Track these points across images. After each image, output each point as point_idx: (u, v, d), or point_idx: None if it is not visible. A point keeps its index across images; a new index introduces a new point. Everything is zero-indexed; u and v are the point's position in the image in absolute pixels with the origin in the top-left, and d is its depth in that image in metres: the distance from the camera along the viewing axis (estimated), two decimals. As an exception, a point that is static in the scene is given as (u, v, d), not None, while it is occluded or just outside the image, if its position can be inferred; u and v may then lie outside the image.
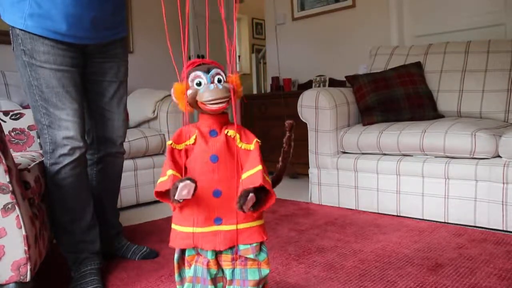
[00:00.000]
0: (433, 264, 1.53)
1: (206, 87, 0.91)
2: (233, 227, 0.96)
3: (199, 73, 0.93)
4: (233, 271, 0.98)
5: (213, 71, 0.93)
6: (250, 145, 0.95)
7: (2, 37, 2.70)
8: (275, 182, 1.06)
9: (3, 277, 1.18)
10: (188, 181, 0.85)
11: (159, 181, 0.94)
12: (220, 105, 0.91)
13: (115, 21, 1.56)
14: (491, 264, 1.50)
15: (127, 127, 1.79)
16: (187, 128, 0.97)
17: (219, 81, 0.93)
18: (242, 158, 0.95)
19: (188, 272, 1.00)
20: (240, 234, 0.96)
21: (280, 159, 1.06)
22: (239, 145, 0.95)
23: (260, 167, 0.91)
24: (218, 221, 0.96)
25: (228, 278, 0.99)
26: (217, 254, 0.98)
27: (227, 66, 0.98)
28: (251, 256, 0.98)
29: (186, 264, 1.01)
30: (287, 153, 1.07)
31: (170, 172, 0.92)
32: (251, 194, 0.86)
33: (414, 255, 1.62)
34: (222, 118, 0.97)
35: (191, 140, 0.95)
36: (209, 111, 0.93)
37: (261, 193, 0.91)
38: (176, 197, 0.86)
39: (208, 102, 0.90)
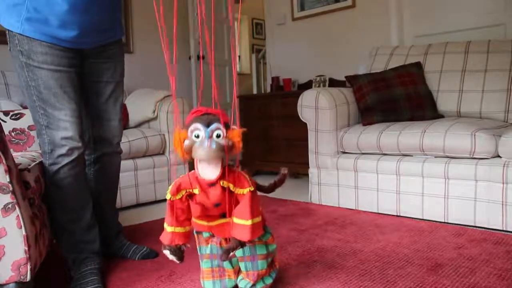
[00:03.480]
0: (433, 264, 1.53)
1: (201, 144, 0.95)
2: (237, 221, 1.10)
3: (198, 125, 0.96)
4: (243, 248, 1.13)
5: (213, 126, 0.96)
6: (244, 190, 1.06)
7: (2, 37, 2.70)
8: (268, 191, 1.30)
9: (3, 277, 1.18)
10: (171, 256, 1.10)
11: (165, 226, 1.12)
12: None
13: (112, 23, 1.56)
14: (491, 264, 1.50)
15: (125, 127, 1.81)
16: (186, 179, 1.05)
17: (218, 136, 0.96)
18: (239, 200, 1.08)
19: (206, 250, 1.19)
20: (244, 229, 1.08)
21: (273, 183, 1.27)
22: (235, 191, 1.07)
23: (249, 222, 1.03)
24: (223, 216, 1.11)
25: (238, 255, 1.14)
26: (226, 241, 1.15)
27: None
28: (256, 238, 1.12)
29: (203, 243, 1.21)
30: (274, 186, 1.29)
31: (169, 229, 1.09)
32: (231, 253, 1.03)
33: (414, 255, 1.62)
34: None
35: (196, 191, 1.05)
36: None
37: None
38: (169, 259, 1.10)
39: (200, 159, 0.99)
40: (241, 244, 1.05)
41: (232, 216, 1.07)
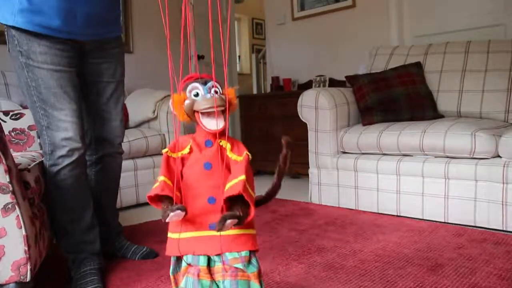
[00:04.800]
0: (433, 264, 1.53)
1: (203, 97, 0.96)
2: (226, 232, 0.96)
3: (197, 84, 0.97)
4: (223, 282, 0.98)
5: (210, 84, 0.98)
6: (240, 157, 0.99)
7: (2, 37, 2.70)
8: (266, 199, 1.11)
9: (3, 277, 1.18)
10: (178, 211, 0.89)
11: (153, 186, 0.97)
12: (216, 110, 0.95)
13: (110, 18, 1.55)
14: (491, 264, 1.50)
15: (125, 127, 1.80)
16: (183, 138, 1.02)
17: (216, 92, 0.98)
18: (231, 168, 0.99)
19: (180, 286, 1.00)
20: (229, 241, 0.97)
21: (275, 175, 1.08)
22: (230, 156, 0.99)
23: (243, 176, 0.93)
24: (212, 226, 0.97)
25: None
26: (209, 263, 0.99)
27: (224, 66, 1.01)
28: (240, 266, 0.97)
29: (180, 277, 1.01)
30: (282, 171, 1.08)
31: (161, 178, 0.96)
32: (228, 221, 0.88)
33: (414, 255, 1.62)
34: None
35: (186, 150, 0.99)
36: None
37: (245, 203, 0.92)
38: (166, 220, 0.90)
39: (205, 111, 0.95)
40: (237, 217, 0.89)
41: (226, 184, 0.95)
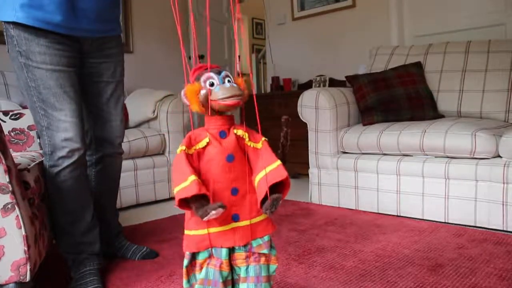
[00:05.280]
0: (433, 264, 1.53)
1: (221, 86, 0.95)
2: (246, 222, 1.00)
3: (211, 74, 0.97)
4: (247, 268, 1.02)
5: (223, 73, 0.98)
6: (258, 144, 1.00)
7: (2, 37, 2.70)
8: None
9: (3, 277, 1.18)
10: (220, 209, 0.89)
11: (178, 188, 0.93)
12: (236, 100, 0.95)
13: (110, 16, 1.55)
14: (491, 264, 1.50)
15: (125, 127, 1.79)
16: (196, 132, 1.00)
17: (229, 82, 0.98)
18: (251, 157, 1.00)
19: (199, 276, 1.01)
20: (254, 229, 1.01)
21: (279, 152, 1.10)
22: (248, 144, 1.00)
23: (279, 161, 0.96)
24: (236, 217, 1.00)
25: (242, 275, 1.02)
26: (230, 253, 1.01)
27: (235, 66, 1.01)
28: (265, 251, 1.02)
29: (197, 268, 1.02)
30: (284, 146, 1.12)
31: (192, 177, 0.92)
32: (280, 201, 0.93)
33: (414, 255, 1.62)
34: (229, 119, 1.01)
35: (203, 143, 0.97)
36: (225, 107, 0.96)
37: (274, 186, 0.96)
38: (206, 219, 0.90)
39: (225, 99, 0.94)
40: (280, 199, 0.93)
41: (259, 173, 0.97)
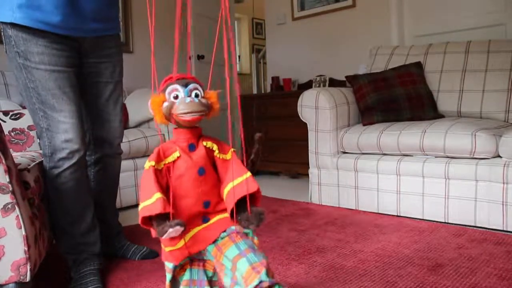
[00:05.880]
0: (433, 264, 1.53)
1: (182, 101, 0.92)
2: (218, 216, 0.98)
3: (177, 86, 0.93)
4: (237, 245, 0.97)
5: (191, 86, 0.94)
6: (227, 155, 0.97)
7: (1, 36, 2.70)
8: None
9: (3, 277, 1.18)
10: (178, 227, 0.86)
11: (142, 205, 0.92)
12: (195, 116, 0.92)
13: (109, 15, 1.54)
14: (491, 264, 1.50)
15: (125, 127, 1.78)
16: (165, 146, 0.97)
17: (196, 95, 0.94)
18: (220, 168, 0.98)
19: (183, 277, 0.99)
20: (228, 221, 0.97)
21: (248, 167, 1.04)
22: (218, 156, 0.97)
23: (249, 173, 0.93)
24: (206, 220, 0.98)
25: (237, 253, 0.95)
26: (214, 248, 0.97)
27: (226, 65, 0.97)
28: (247, 231, 0.99)
29: (181, 272, 1.01)
30: (254, 163, 1.06)
31: (158, 195, 0.89)
32: (263, 216, 0.89)
33: (414, 255, 1.62)
34: (197, 131, 0.98)
35: (173, 157, 0.95)
36: (183, 123, 0.94)
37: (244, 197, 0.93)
38: (164, 237, 0.87)
39: (183, 114, 0.91)
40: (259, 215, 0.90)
41: (227, 186, 0.94)
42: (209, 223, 0.97)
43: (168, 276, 1.00)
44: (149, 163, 0.93)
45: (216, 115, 0.98)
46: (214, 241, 0.97)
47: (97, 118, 1.62)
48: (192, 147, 0.96)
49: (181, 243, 0.96)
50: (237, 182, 0.92)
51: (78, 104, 1.46)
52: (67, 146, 1.40)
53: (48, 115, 1.39)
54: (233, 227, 0.97)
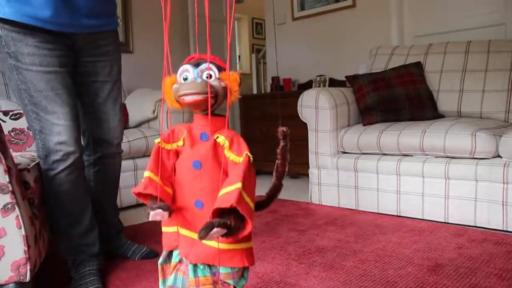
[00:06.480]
0: (433, 264, 1.53)
1: (185, 82, 0.82)
2: (213, 243, 0.84)
3: (187, 66, 0.84)
4: None
5: (203, 66, 0.82)
6: (239, 158, 0.82)
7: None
8: (266, 202, 0.91)
9: (3, 277, 1.18)
10: (159, 210, 0.78)
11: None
12: (197, 98, 0.80)
13: (104, 9, 1.48)
14: (491, 264, 1.50)
15: (125, 127, 1.76)
16: (180, 127, 0.89)
17: (209, 77, 0.82)
18: (229, 170, 0.84)
19: (168, 282, 0.93)
20: (224, 254, 0.84)
21: (274, 174, 0.90)
22: (227, 155, 0.83)
23: (239, 184, 0.76)
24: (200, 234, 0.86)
25: None
26: (195, 272, 0.88)
27: (228, 65, 0.92)
28: (231, 282, 0.87)
29: (169, 272, 0.94)
30: (282, 167, 0.89)
31: (146, 174, 0.84)
32: (215, 229, 0.73)
33: (414, 255, 1.62)
34: (217, 121, 0.86)
35: (180, 142, 0.87)
36: (186, 106, 0.84)
37: (241, 214, 0.77)
38: (149, 219, 0.80)
39: (183, 96, 0.81)
40: (226, 226, 0.73)
41: (219, 191, 0.80)
42: (198, 238, 0.77)
43: (160, 258, 0.94)
44: (156, 140, 0.87)
45: (234, 99, 0.84)
46: (195, 267, 0.87)
47: (95, 118, 1.58)
48: (204, 137, 0.85)
49: (174, 228, 0.89)
50: (225, 191, 0.78)
51: (72, 105, 1.41)
52: (61, 148, 1.37)
53: (41, 117, 1.35)
54: (222, 270, 0.86)
